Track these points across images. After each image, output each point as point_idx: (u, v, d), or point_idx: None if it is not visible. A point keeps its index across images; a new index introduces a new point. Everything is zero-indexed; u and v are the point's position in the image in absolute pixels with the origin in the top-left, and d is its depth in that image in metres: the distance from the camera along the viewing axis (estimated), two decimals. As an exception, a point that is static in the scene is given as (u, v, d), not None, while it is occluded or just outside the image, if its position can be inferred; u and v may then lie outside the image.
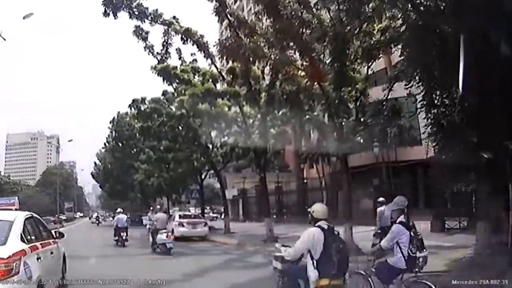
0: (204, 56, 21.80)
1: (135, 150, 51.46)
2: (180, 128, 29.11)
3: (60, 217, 69.46)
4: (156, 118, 29.95)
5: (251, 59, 16.82)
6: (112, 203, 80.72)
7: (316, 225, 5.57)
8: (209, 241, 24.31)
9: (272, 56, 16.27)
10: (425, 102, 11.55)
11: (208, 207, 58.21)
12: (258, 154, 22.02)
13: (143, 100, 29.96)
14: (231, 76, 21.14)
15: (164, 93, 31.72)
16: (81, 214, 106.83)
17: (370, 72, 16.68)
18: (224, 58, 16.81)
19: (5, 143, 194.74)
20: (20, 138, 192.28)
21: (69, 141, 78.71)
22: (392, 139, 29.24)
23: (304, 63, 15.22)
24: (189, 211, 50.21)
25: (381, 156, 26.37)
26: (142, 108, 30.33)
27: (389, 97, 15.72)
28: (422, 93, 11.60)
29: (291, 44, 14.58)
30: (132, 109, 30.21)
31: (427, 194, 29.53)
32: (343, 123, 15.32)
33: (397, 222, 6.64)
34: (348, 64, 14.05)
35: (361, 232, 16.08)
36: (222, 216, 48.00)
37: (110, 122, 56.55)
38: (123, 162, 52.75)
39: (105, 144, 59.20)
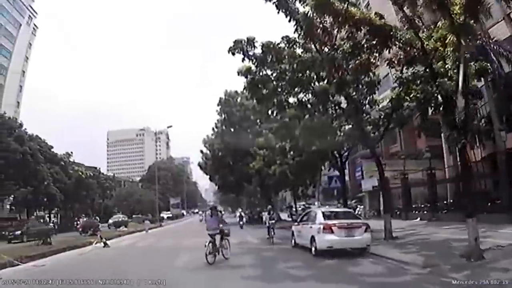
0: None
1: (250, 134, 43.55)
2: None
3: (162, 215, 64.42)
4: (271, 67, 19.38)
5: None
6: (230, 198, 74.99)
7: None
8: (372, 255, 14.32)
9: None
10: None
11: (338, 202, 47.79)
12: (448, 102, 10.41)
13: (250, 41, 18.71)
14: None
15: (285, 38, 20.76)
16: (195, 211, 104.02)
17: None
18: None
19: (106, 140, 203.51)
20: (122, 134, 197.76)
21: (168, 127, 73.53)
22: None
23: None
24: (316, 205, 41.06)
25: None
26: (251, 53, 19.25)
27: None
28: None
29: None
30: (234, 54, 18.83)
31: None
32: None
33: None
34: None
35: None
36: (357, 212, 37.37)
37: (218, 104, 49.25)
38: (235, 148, 44.66)
39: (213, 129, 52.02)
